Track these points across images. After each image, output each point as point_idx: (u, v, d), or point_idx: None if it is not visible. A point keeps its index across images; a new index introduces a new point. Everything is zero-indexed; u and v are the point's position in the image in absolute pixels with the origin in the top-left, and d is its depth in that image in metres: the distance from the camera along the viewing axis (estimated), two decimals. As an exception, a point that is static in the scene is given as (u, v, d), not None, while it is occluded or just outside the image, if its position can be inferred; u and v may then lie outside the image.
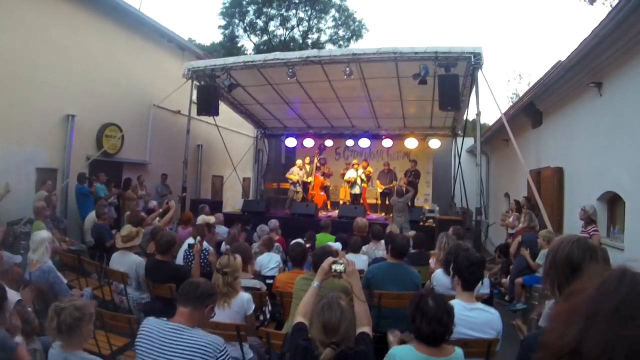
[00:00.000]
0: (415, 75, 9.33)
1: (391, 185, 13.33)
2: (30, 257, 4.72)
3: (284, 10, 31.77)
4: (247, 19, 31.98)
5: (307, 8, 31.98)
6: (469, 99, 10.84)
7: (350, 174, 13.82)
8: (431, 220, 11.79)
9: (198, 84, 11.64)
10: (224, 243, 7.14)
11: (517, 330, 6.09)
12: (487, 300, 4.25)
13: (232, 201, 16.85)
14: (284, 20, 32.37)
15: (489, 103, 66.42)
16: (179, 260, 5.93)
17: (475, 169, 9.50)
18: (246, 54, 28.07)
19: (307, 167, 14.31)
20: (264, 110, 14.91)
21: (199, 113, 11.63)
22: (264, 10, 31.48)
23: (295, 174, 13.79)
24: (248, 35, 32.83)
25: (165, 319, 2.69)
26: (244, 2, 31.08)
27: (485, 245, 13.35)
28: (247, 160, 17.53)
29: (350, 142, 16.32)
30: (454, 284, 3.34)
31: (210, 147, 15.70)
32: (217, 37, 41.86)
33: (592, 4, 19.10)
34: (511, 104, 17.26)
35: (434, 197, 16.06)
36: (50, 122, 9.59)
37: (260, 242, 6.76)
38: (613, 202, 6.87)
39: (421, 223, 11.52)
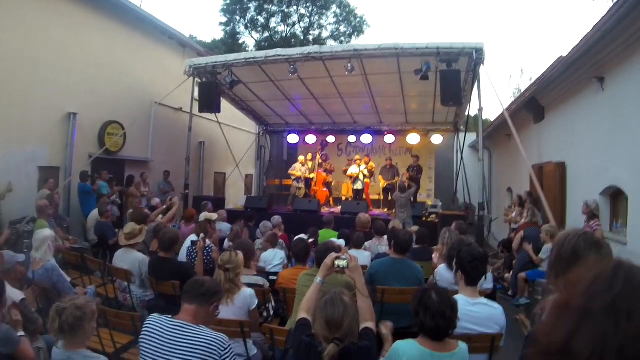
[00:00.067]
0: (417, 70, 9.31)
1: (394, 181, 13.32)
2: (33, 255, 4.72)
3: (285, 6, 31.74)
4: (248, 16, 31.95)
5: (308, 4, 31.93)
6: (470, 95, 10.81)
7: (353, 170, 13.81)
8: (434, 216, 11.78)
9: (199, 81, 11.66)
10: (226, 240, 7.14)
11: (520, 325, 6.09)
12: (491, 295, 4.24)
13: (235, 198, 16.89)
14: (285, 17, 32.35)
15: (491, 98, 66.39)
16: (182, 257, 5.93)
17: (478, 164, 9.48)
18: (247, 51, 28.04)
19: (310, 163, 14.30)
20: (266, 107, 14.90)
21: (201, 110, 11.65)
22: (265, 6, 31.46)
23: (298, 170, 13.79)
24: (249, 32, 32.83)
25: (169, 316, 2.69)
26: (245, -1, 31.08)
27: (488, 241, 13.36)
28: (250, 157, 17.54)
29: (352, 138, 16.30)
30: (457, 279, 3.34)
31: (213, 144, 15.71)
32: (218, 34, 41.91)
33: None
34: (513, 99, 17.20)
35: (437, 192, 16.05)
36: (52, 121, 9.60)
37: (265, 238, 6.77)
38: (616, 196, 6.86)
39: (424, 218, 11.51)
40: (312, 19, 32.80)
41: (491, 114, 40.51)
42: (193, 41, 16.64)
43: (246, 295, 3.83)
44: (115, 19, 11.30)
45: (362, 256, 5.96)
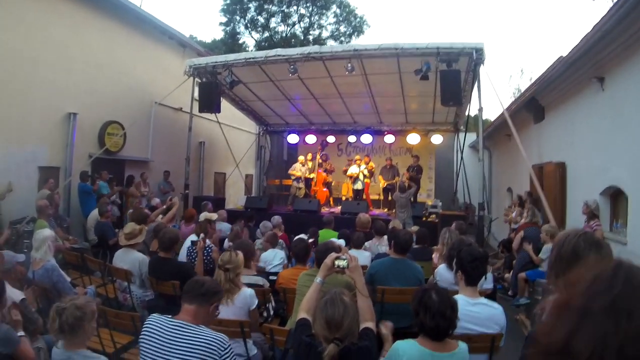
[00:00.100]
0: (417, 71, 9.31)
1: (394, 181, 13.32)
2: (33, 255, 4.72)
3: (285, 6, 31.74)
4: (248, 16, 31.95)
5: (308, 4, 31.94)
6: (470, 95, 10.81)
7: (353, 170, 13.81)
8: (434, 216, 11.78)
9: (199, 81, 11.66)
10: (226, 240, 7.14)
11: (520, 325, 6.09)
12: (491, 295, 4.24)
13: (235, 198, 16.90)
14: (285, 17, 32.35)
15: (491, 98, 66.40)
16: (182, 257, 5.93)
17: (478, 164, 9.48)
18: (247, 51, 28.04)
19: (310, 163, 14.30)
20: (266, 107, 14.90)
21: (201, 110, 11.65)
22: (265, 6, 31.46)
23: (298, 170, 13.78)
24: (249, 32, 32.83)
25: (169, 316, 2.69)
26: (245, -1, 31.09)
27: (488, 241, 13.36)
28: (250, 157, 17.54)
29: (352, 138, 16.29)
30: (457, 279, 3.34)
31: (213, 144, 15.71)
32: (218, 34, 41.90)
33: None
34: (513, 99, 17.20)
35: (437, 192, 16.04)
36: (52, 121, 9.59)
37: (265, 238, 6.77)
38: (616, 196, 6.86)
39: (424, 218, 11.52)
40: (312, 19, 32.82)
41: (491, 114, 40.54)
42: (193, 41, 16.64)
43: (246, 295, 3.83)
44: (115, 19, 11.29)
45: (362, 256, 5.97)
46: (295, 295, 4.01)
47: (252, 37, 33.01)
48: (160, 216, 7.89)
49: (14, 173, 8.54)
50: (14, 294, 3.64)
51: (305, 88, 12.43)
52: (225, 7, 31.68)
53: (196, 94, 11.70)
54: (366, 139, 15.69)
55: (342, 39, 32.81)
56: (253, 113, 15.69)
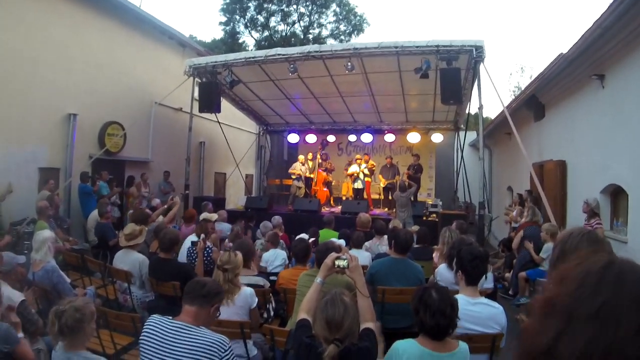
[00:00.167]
0: (417, 69, 9.30)
1: (394, 180, 13.31)
2: (33, 257, 4.72)
3: (284, 5, 31.69)
4: (248, 15, 31.89)
5: (308, 3, 31.89)
6: (471, 93, 10.79)
7: (353, 169, 13.81)
8: (434, 215, 11.78)
9: (199, 81, 11.64)
10: (227, 240, 7.13)
11: (521, 325, 6.07)
12: (491, 295, 4.24)
13: (235, 198, 16.90)
14: (285, 16, 32.30)
15: (491, 96, 66.37)
16: (182, 258, 5.92)
17: (478, 162, 9.47)
18: (247, 50, 27.99)
19: (310, 162, 14.30)
20: (266, 107, 14.89)
21: (201, 110, 11.64)
22: (265, 6, 31.40)
23: (297, 169, 13.78)
24: (249, 32, 32.77)
25: (169, 317, 2.69)
26: (245, -1, 31.05)
27: (489, 240, 13.35)
28: (250, 157, 17.54)
29: (352, 138, 16.28)
30: (457, 279, 3.33)
31: (213, 144, 15.70)
32: (218, 33, 41.87)
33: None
34: (513, 97, 17.19)
35: (437, 191, 16.03)
36: (52, 121, 9.59)
37: (266, 238, 6.77)
38: (616, 194, 6.85)
39: (424, 218, 11.51)
40: (312, 17, 32.77)
41: (491, 112, 40.51)
42: (193, 41, 16.62)
43: (246, 295, 3.83)
44: (115, 19, 11.29)
45: (362, 256, 5.96)
46: (295, 296, 4.00)
47: (251, 36, 33.00)
48: (161, 216, 7.88)
49: (14, 173, 8.54)
50: (14, 295, 3.64)
51: (305, 87, 12.42)
52: (224, 6, 31.64)
53: (196, 94, 11.68)
54: (366, 138, 15.66)
55: (342, 37, 32.76)
56: (253, 113, 15.68)
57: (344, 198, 14.71)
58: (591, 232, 1.95)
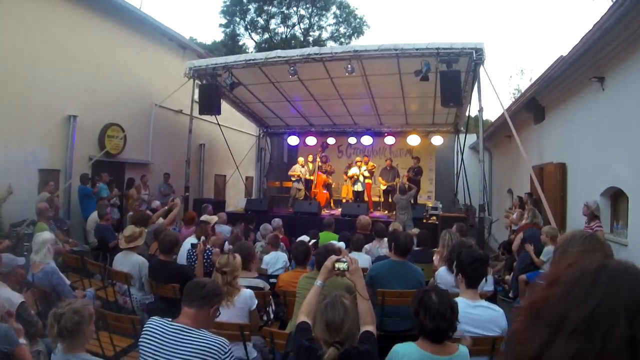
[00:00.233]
0: (417, 71, 9.31)
1: (394, 182, 13.29)
2: (32, 258, 4.72)
3: (284, 8, 31.75)
4: (248, 17, 31.96)
5: (308, 5, 31.94)
6: (471, 95, 10.79)
7: (353, 171, 13.80)
8: (434, 218, 11.75)
9: (200, 83, 11.65)
10: (226, 242, 7.13)
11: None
12: (491, 298, 4.23)
13: (235, 200, 16.89)
14: (285, 18, 32.35)
15: (491, 99, 66.38)
16: (182, 260, 5.91)
17: (478, 165, 9.48)
18: (247, 52, 28.05)
19: (310, 165, 14.31)
20: (266, 109, 14.89)
21: (201, 112, 11.63)
22: (265, 8, 31.46)
23: (297, 171, 13.78)
24: (249, 34, 32.85)
25: (169, 319, 2.68)
26: (245, 1, 31.07)
27: (489, 242, 13.32)
28: (250, 159, 17.55)
29: (352, 140, 16.30)
30: (457, 282, 3.32)
31: (213, 146, 15.70)
32: (218, 35, 41.94)
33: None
34: (513, 99, 17.18)
35: (437, 194, 16.01)
36: (51, 122, 9.60)
37: (267, 240, 6.76)
38: (616, 197, 6.84)
39: (424, 220, 11.49)
40: (312, 20, 32.83)
41: (491, 114, 40.52)
42: (193, 43, 16.64)
43: (246, 297, 3.83)
44: (115, 20, 11.30)
45: (362, 259, 5.95)
46: (295, 298, 3.99)
47: (252, 38, 33.07)
48: (161, 218, 7.87)
49: (14, 174, 8.54)
50: (14, 296, 3.64)
51: (305, 89, 12.43)
52: (225, 8, 31.72)
53: (196, 96, 11.69)
54: (366, 140, 15.67)
55: (342, 40, 32.82)
56: (253, 115, 15.69)
57: (343, 201, 14.69)
58: (593, 234, 1.95)
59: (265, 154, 17.58)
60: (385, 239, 6.78)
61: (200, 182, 15.44)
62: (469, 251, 3.30)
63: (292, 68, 9.98)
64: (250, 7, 31.45)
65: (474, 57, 8.70)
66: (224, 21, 32.23)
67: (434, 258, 5.97)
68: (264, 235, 7.55)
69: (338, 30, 33.32)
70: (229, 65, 10.75)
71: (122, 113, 11.41)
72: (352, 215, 11.04)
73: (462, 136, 13.81)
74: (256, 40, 32.92)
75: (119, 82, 11.54)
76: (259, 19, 32.11)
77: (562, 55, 7.75)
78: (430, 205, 12.97)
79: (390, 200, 13.32)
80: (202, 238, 5.88)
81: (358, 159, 14.33)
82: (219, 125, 13.17)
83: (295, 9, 32.09)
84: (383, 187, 14.02)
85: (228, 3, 31.37)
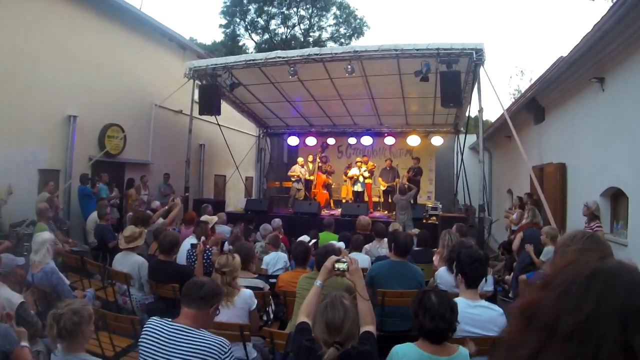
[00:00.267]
0: (417, 72, 9.31)
1: (394, 182, 13.29)
2: (32, 258, 4.72)
3: (285, 8, 31.76)
4: (248, 18, 31.97)
5: (308, 6, 31.95)
6: (471, 96, 10.78)
7: (354, 172, 13.81)
8: (434, 218, 11.75)
9: (200, 83, 11.64)
10: (226, 242, 7.13)
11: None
12: (491, 298, 4.23)
13: (235, 200, 16.88)
14: (285, 19, 32.37)
15: (491, 99, 66.42)
16: (182, 260, 5.91)
17: (478, 165, 9.48)
18: (247, 53, 28.06)
19: (310, 165, 14.31)
20: (266, 109, 14.90)
21: (201, 112, 11.63)
22: (265, 8, 31.47)
23: (297, 171, 13.78)
24: (249, 34, 32.86)
25: (169, 319, 2.68)
26: (245, 1, 31.08)
27: (489, 242, 13.32)
28: (250, 160, 17.55)
29: (352, 140, 16.31)
30: (457, 282, 3.32)
31: (213, 147, 15.70)
32: (218, 36, 41.96)
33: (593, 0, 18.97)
34: (513, 100, 17.18)
35: (437, 194, 16.00)
36: (51, 122, 9.60)
37: (267, 241, 6.76)
38: (616, 197, 6.84)
39: (424, 220, 11.49)
40: (312, 20, 32.84)
41: (491, 114, 40.52)
42: (193, 43, 16.65)
43: (246, 296, 3.83)
44: (115, 21, 11.30)
45: (362, 259, 5.95)
46: (295, 299, 3.99)
47: (252, 39, 33.08)
48: (161, 218, 7.87)
49: (14, 174, 8.54)
50: (14, 297, 3.64)
51: (305, 90, 12.43)
52: (225, 9, 31.74)
53: (196, 97, 11.68)
54: (366, 140, 15.66)
55: (342, 40, 32.83)
56: (253, 115, 15.69)
57: (343, 201, 14.69)
58: (594, 235, 1.96)
59: (265, 154, 17.57)
60: (385, 239, 6.78)
61: (200, 183, 15.45)
62: (468, 251, 3.30)
63: (292, 68, 9.98)
64: (250, 7, 31.46)
65: (474, 58, 8.70)
66: (224, 22, 32.30)
67: (434, 258, 5.97)
68: (263, 235, 7.55)
69: (338, 30, 33.35)
70: (229, 65, 10.75)
71: (122, 113, 11.41)
72: (352, 215, 11.04)
73: (462, 136, 13.80)
74: (256, 40, 32.97)
75: (119, 82, 11.54)
76: (259, 19, 32.13)
77: (562, 56, 7.75)
78: (430, 205, 12.98)
79: (390, 200, 13.33)
80: (202, 238, 5.88)
81: (358, 159, 14.33)
82: (219, 125, 13.17)
83: (295, 9, 32.11)
84: (383, 188, 14.02)
85: (228, 3, 31.40)
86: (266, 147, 17.55)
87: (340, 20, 33.08)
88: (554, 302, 0.74)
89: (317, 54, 9.85)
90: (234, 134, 16.26)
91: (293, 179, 13.90)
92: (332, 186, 15.27)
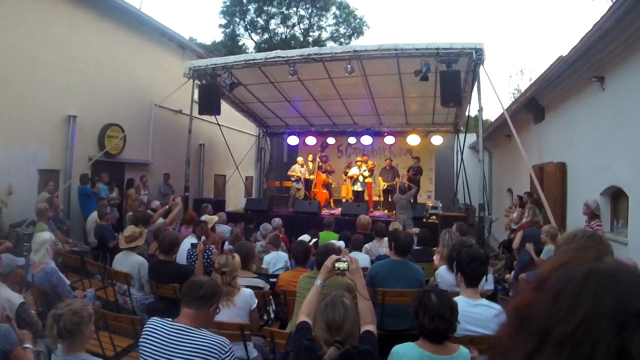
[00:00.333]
0: (416, 71, 9.31)
1: (394, 182, 13.29)
2: (32, 258, 4.71)
3: (284, 8, 31.72)
4: (248, 18, 31.94)
5: (307, 6, 31.91)
6: (470, 95, 10.80)
7: (354, 171, 13.81)
8: (434, 217, 11.75)
9: (199, 83, 11.64)
10: (226, 242, 7.13)
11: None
12: (492, 297, 4.23)
13: (235, 200, 16.89)
14: (285, 19, 32.34)
15: (491, 99, 66.42)
16: (182, 260, 5.90)
17: (478, 164, 9.48)
18: (247, 53, 28.04)
19: (310, 164, 14.31)
20: (266, 109, 14.89)
21: (201, 112, 11.62)
22: (265, 8, 31.44)
23: (297, 171, 13.78)
24: (249, 34, 32.84)
25: (169, 319, 2.68)
26: (245, 1, 31.04)
27: (489, 241, 13.32)
28: (250, 159, 17.55)
29: (352, 140, 16.31)
30: (457, 281, 3.32)
31: (213, 146, 15.70)
32: (218, 36, 41.93)
33: (593, -1, 18.92)
34: (513, 99, 17.18)
35: (437, 193, 15.99)
36: (51, 122, 9.59)
37: (267, 240, 6.76)
38: (616, 196, 6.85)
39: (424, 220, 11.49)
40: (312, 20, 32.80)
41: (491, 114, 40.52)
42: (193, 43, 16.64)
43: (246, 296, 3.83)
44: (115, 21, 11.29)
45: (362, 258, 5.95)
46: (295, 298, 3.99)
47: (251, 39, 33.06)
48: (161, 218, 7.87)
49: (14, 174, 8.54)
50: (14, 297, 3.64)
51: (305, 89, 12.43)
52: (224, 9, 31.70)
53: (196, 96, 11.68)
54: (366, 140, 15.65)
55: (342, 40, 32.78)
56: (253, 115, 15.69)
57: (343, 200, 14.69)
58: (594, 234, 1.96)
59: (265, 154, 17.57)
60: (385, 239, 6.79)
61: (200, 182, 15.44)
62: (468, 250, 3.30)
63: (291, 68, 9.98)
64: (250, 7, 31.43)
65: (474, 57, 8.70)
66: (223, 21, 32.27)
67: (434, 257, 5.97)
68: (264, 235, 7.55)
69: (338, 30, 33.32)
70: (229, 65, 10.74)
71: (122, 113, 11.40)
72: (352, 214, 11.04)
73: (461, 136, 13.81)
74: (256, 40, 32.94)
75: (119, 82, 11.54)
76: (258, 19, 32.10)
77: (562, 56, 7.75)
78: (430, 204, 12.98)
79: (390, 199, 13.32)
80: (202, 238, 5.88)
81: (358, 158, 14.34)
82: (219, 125, 13.16)
83: (295, 9, 32.08)
84: (383, 187, 14.02)
85: (228, 3, 31.37)
86: (266, 146, 17.55)
87: (340, 20, 33.06)
88: (547, 305, 0.72)
89: (316, 54, 9.85)
90: (233, 134, 16.26)
91: (293, 179, 13.90)
92: (332, 185, 15.25)
